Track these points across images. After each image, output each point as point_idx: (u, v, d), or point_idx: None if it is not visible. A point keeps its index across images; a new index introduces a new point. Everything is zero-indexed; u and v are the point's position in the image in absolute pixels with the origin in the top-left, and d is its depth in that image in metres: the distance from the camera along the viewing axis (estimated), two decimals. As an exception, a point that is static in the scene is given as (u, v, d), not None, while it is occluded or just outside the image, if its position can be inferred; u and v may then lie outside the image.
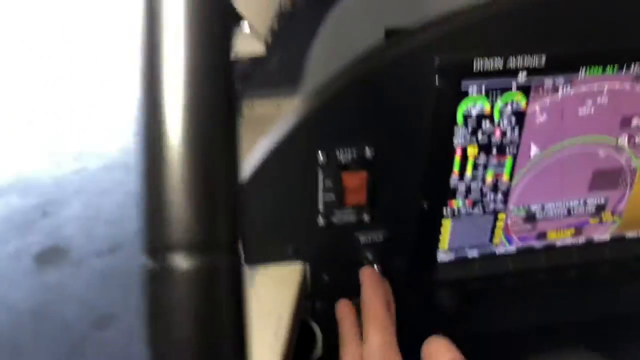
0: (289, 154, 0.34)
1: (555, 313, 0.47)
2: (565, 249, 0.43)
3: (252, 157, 0.36)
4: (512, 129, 0.36)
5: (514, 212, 0.41)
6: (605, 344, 0.66)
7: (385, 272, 0.41)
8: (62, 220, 1.93)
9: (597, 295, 0.46)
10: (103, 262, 1.62)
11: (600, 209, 0.42)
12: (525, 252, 0.43)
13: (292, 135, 0.34)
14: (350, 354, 0.35)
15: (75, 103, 2.12)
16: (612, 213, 0.42)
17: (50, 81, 2.26)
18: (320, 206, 0.36)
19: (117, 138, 1.94)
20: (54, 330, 1.54)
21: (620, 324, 0.65)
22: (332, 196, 0.36)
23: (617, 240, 0.44)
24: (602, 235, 0.44)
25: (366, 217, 0.37)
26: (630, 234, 0.44)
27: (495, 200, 0.40)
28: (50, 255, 1.85)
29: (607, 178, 0.40)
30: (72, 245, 1.84)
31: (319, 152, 0.34)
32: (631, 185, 0.41)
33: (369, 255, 0.39)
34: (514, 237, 0.42)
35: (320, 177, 0.35)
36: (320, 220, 0.37)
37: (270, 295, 0.37)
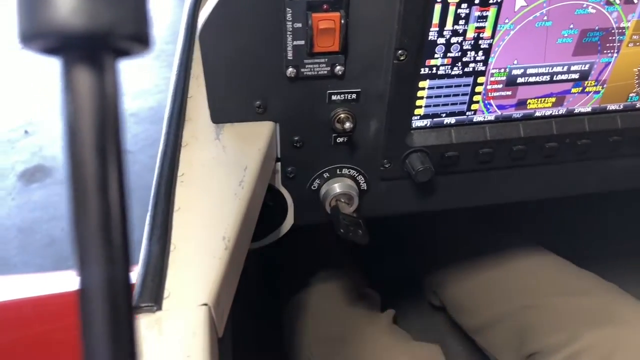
0: None
1: (529, 188, 0.46)
2: (545, 119, 0.42)
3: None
4: (497, -28, 0.34)
5: (494, 75, 0.39)
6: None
7: (358, 137, 0.40)
8: (45, 140, 1.91)
9: (573, 172, 0.46)
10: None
11: (583, 76, 0.40)
12: (503, 122, 0.42)
13: None
14: None
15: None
16: (596, 82, 0.41)
17: None
18: (289, 53, 0.34)
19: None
20: (40, 246, 1.56)
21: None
22: (301, 41, 0.34)
23: (598, 113, 0.43)
24: (583, 106, 0.42)
25: (339, 69, 0.35)
26: (612, 106, 0.43)
27: (475, 60, 0.38)
28: (35, 174, 1.84)
29: (594, 39, 0.38)
30: (57, 165, 1.84)
31: None
32: (618, 50, 0.39)
33: (341, 115, 0.37)
34: (493, 105, 0.41)
35: (289, 17, 0.32)
36: (289, 71, 0.35)
37: (237, 148, 0.36)
